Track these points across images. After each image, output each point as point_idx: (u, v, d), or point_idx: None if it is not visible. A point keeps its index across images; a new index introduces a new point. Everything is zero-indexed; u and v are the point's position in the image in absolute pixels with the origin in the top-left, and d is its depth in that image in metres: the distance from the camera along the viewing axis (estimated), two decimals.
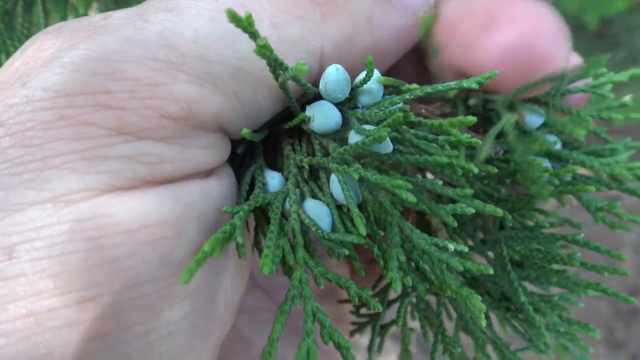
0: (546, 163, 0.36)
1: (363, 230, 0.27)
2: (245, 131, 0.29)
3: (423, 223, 0.38)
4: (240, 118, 0.29)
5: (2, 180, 0.24)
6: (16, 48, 0.41)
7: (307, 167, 0.31)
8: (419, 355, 1.69)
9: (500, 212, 0.25)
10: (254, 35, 0.25)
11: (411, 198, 0.25)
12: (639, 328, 1.89)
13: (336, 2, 0.31)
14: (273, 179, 0.32)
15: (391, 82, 0.32)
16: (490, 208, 0.25)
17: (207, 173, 0.30)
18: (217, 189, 0.29)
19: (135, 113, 0.26)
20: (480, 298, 0.26)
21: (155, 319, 0.25)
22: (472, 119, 0.25)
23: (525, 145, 0.34)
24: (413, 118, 0.26)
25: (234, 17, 0.24)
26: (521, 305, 0.35)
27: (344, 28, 0.31)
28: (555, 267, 0.35)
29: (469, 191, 0.26)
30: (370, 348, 0.41)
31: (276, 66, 0.27)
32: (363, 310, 0.43)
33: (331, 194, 0.31)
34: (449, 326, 0.39)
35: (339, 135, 0.31)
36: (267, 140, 0.35)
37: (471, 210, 0.27)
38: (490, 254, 0.38)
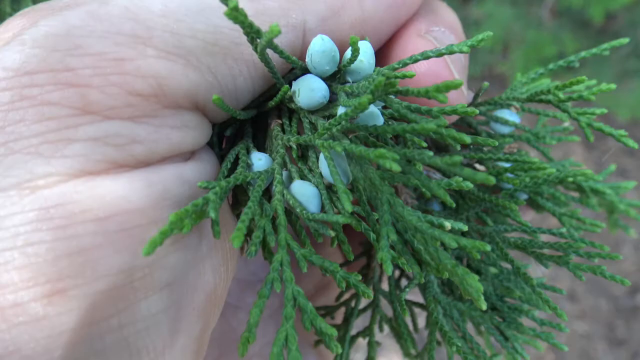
0: (513, 116, 0.37)
1: (348, 206, 0.25)
2: (215, 97, 0.26)
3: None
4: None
5: None
6: None
7: (294, 147, 0.30)
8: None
9: (492, 179, 0.24)
10: None
11: (395, 167, 0.23)
12: None
13: None
14: (259, 160, 0.30)
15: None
16: (481, 176, 0.23)
17: (186, 157, 0.28)
18: (196, 175, 0.27)
19: (100, 91, 0.24)
20: (477, 277, 0.24)
21: (130, 312, 0.24)
22: (459, 81, 0.24)
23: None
24: (397, 85, 0.25)
25: None
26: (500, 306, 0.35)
27: (328, 1, 0.30)
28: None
29: (458, 158, 0.23)
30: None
31: (250, 32, 0.25)
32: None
33: (320, 173, 0.29)
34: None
35: (328, 112, 0.30)
36: (257, 123, 0.33)
37: (468, 185, 0.26)
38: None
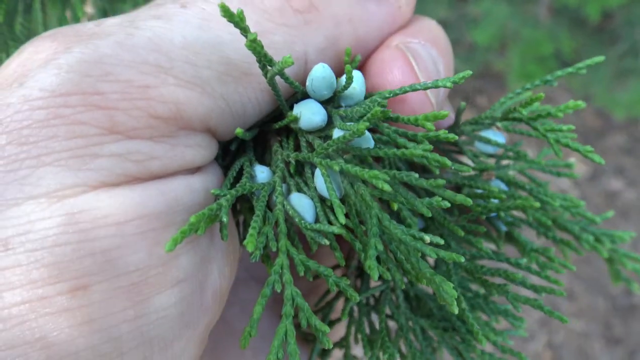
0: (499, 137, 0.39)
1: (342, 219, 0.28)
2: (239, 130, 0.30)
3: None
4: (227, 120, 0.31)
5: (0, 176, 0.25)
6: (17, 48, 0.43)
7: (293, 162, 0.33)
8: None
9: (469, 201, 0.28)
10: (245, 30, 0.27)
11: (387, 187, 0.26)
12: (637, 324, 1.90)
13: (317, 7, 0.33)
14: (262, 173, 0.33)
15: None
16: (460, 197, 0.27)
17: (194, 170, 0.31)
18: (203, 184, 0.31)
19: (126, 113, 0.27)
20: (452, 285, 0.28)
21: (144, 305, 0.27)
22: (445, 112, 0.27)
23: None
24: (391, 114, 0.28)
25: (227, 12, 0.26)
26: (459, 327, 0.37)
27: (327, 32, 0.33)
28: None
29: (441, 181, 0.27)
30: None
31: (265, 61, 0.28)
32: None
33: (315, 187, 0.32)
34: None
35: (324, 133, 0.33)
36: (257, 138, 0.36)
37: (446, 204, 0.28)
38: None
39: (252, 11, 0.31)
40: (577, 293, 1.95)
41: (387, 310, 0.39)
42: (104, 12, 0.47)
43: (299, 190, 0.33)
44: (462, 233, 0.33)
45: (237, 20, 0.26)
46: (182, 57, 0.29)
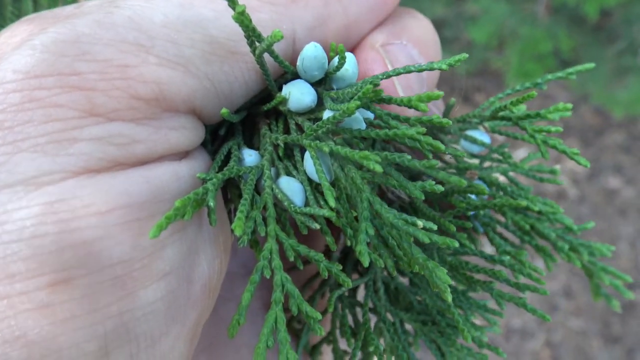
0: (484, 137, 0.38)
1: (332, 202, 0.27)
2: (224, 111, 0.29)
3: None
4: (213, 100, 0.30)
5: None
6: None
7: (282, 145, 0.32)
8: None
9: (464, 182, 0.26)
10: (232, 2, 0.26)
11: (378, 168, 0.25)
12: (635, 322, 1.90)
13: None
14: (250, 156, 0.32)
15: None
16: (454, 179, 0.26)
17: (180, 156, 0.30)
18: (190, 171, 0.29)
19: (105, 94, 0.26)
20: (445, 271, 0.27)
21: (129, 300, 0.25)
22: (439, 93, 0.26)
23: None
24: (383, 94, 0.27)
25: None
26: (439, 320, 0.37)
27: (316, 11, 0.32)
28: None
29: (434, 162, 0.26)
30: None
31: (253, 36, 0.27)
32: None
33: (304, 171, 0.31)
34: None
35: (313, 115, 0.32)
36: (245, 122, 0.35)
37: (439, 188, 0.27)
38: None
39: None
40: (575, 291, 1.95)
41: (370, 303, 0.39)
42: None
43: (288, 173, 0.32)
44: (453, 228, 0.32)
45: None
46: (164, 35, 0.28)
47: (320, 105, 0.32)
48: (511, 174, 0.40)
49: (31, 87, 0.25)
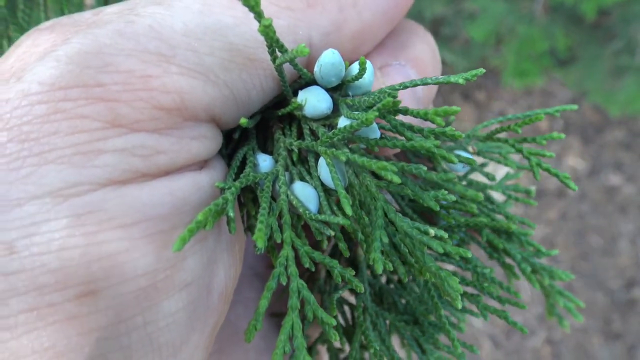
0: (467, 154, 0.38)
1: (349, 210, 0.28)
2: (243, 120, 0.29)
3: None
4: (232, 107, 0.30)
5: (1, 175, 0.24)
6: (19, 33, 0.41)
7: (296, 150, 0.32)
8: None
9: (480, 196, 0.27)
10: (259, 15, 0.26)
11: (396, 179, 0.25)
12: (636, 319, 1.90)
13: None
14: (264, 161, 0.32)
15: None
16: (471, 192, 0.27)
17: (200, 165, 0.30)
18: (210, 180, 0.30)
19: (128, 105, 0.26)
20: (457, 280, 0.27)
21: (153, 311, 0.26)
22: (456, 108, 0.27)
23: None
24: (400, 106, 0.27)
25: None
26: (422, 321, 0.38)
27: (331, 16, 0.32)
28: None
29: (452, 175, 0.27)
30: None
31: (277, 47, 0.27)
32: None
33: (319, 177, 0.31)
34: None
35: (328, 121, 0.32)
36: (259, 125, 0.35)
37: (452, 198, 0.28)
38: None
39: None
40: (576, 289, 1.95)
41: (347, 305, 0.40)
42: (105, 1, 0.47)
43: (302, 179, 0.32)
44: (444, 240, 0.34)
45: (252, 4, 0.25)
46: (184, 44, 0.28)
47: (335, 111, 0.32)
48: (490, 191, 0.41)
49: (57, 98, 0.25)
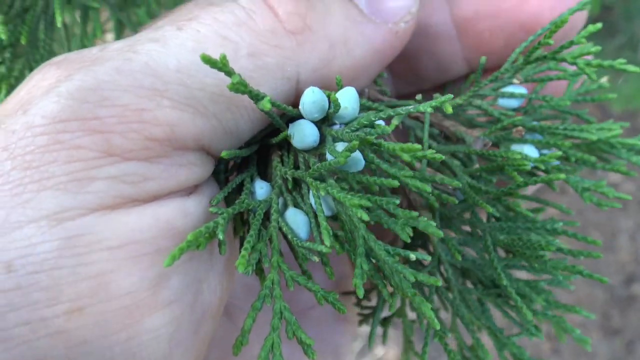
0: (533, 151, 0.38)
1: (328, 241, 0.30)
2: (224, 153, 0.31)
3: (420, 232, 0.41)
4: (221, 137, 0.32)
5: (5, 200, 0.27)
6: (38, 63, 0.44)
7: (290, 179, 0.34)
8: (420, 343, 1.70)
9: (440, 233, 0.29)
10: (228, 74, 0.28)
11: (365, 217, 0.28)
12: (635, 314, 1.91)
13: (311, 28, 0.33)
14: (261, 189, 0.35)
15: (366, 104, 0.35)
16: (432, 229, 0.29)
17: (189, 191, 0.32)
18: (197, 207, 0.32)
19: (122, 136, 0.29)
20: (430, 306, 0.29)
21: (136, 328, 0.28)
22: (417, 146, 0.28)
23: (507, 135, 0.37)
24: (373, 140, 0.29)
25: (208, 60, 0.27)
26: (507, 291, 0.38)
27: (320, 53, 0.34)
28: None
29: (414, 213, 0.29)
30: (370, 337, 0.44)
31: (251, 97, 0.29)
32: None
33: (311, 204, 0.33)
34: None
35: (318, 151, 0.34)
36: (261, 151, 0.38)
37: (435, 231, 0.30)
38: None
39: (247, 33, 0.32)
40: (575, 284, 1.95)
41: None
42: (119, 21, 0.48)
43: (296, 205, 0.34)
44: (491, 210, 0.34)
45: (220, 66, 0.27)
46: (176, 80, 0.30)
47: (324, 141, 0.33)
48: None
49: (57, 130, 0.28)
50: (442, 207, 0.40)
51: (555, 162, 0.38)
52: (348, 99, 0.33)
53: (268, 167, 0.37)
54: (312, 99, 0.32)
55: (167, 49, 0.30)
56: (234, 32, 0.32)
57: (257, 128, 0.34)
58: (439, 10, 0.43)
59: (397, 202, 0.30)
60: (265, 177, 0.36)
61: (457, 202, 0.34)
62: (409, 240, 0.30)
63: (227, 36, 0.31)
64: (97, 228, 0.27)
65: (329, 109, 0.33)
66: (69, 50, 0.46)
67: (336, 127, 0.34)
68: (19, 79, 0.43)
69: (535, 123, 0.39)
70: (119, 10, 0.47)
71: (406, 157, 0.28)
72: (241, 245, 0.36)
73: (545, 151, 0.40)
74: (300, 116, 0.34)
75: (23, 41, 0.40)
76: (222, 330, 0.40)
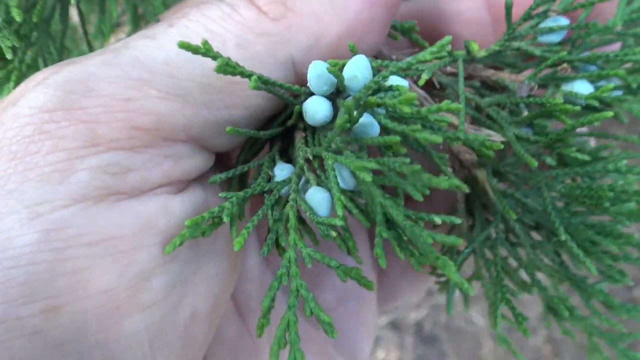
0: (585, 87, 0.35)
1: (340, 212, 0.29)
2: (229, 128, 0.31)
3: (471, 178, 0.40)
4: (213, 127, 0.32)
5: None
6: (52, 55, 0.44)
7: (311, 157, 0.33)
8: (420, 346, 1.69)
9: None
10: (213, 57, 0.28)
11: (367, 177, 0.26)
12: (637, 318, 1.90)
13: (293, 10, 0.33)
14: (282, 171, 0.34)
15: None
16: (436, 181, 0.25)
17: (179, 188, 0.32)
18: (183, 207, 0.31)
19: (107, 125, 0.28)
20: (454, 268, 0.26)
21: (114, 330, 0.27)
22: (413, 95, 0.26)
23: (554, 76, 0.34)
24: (377, 101, 0.27)
25: (189, 47, 0.27)
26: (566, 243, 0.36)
27: (309, 30, 0.33)
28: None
29: (417, 167, 0.26)
30: (448, 304, 0.44)
31: (244, 77, 0.29)
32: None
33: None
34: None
35: (332, 125, 0.33)
36: (286, 133, 0.37)
37: (444, 184, 0.28)
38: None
39: (232, 25, 0.32)
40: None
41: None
42: (134, 6, 0.47)
43: (319, 184, 0.33)
44: (536, 164, 0.33)
45: (203, 51, 0.27)
46: (164, 71, 0.30)
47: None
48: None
49: (42, 120, 0.28)
50: (496, 163, 0.38)
51: (616, 93, 0.34)
52: (357, 67, 0.32)
53: (289, 150, 0.36)
54: (315, 73, 0.31)
55: (157, 43, 0.31)
56: (220, 26, 0.31)
57: (254, 116, 0.33)
58: None
59: (407, 161, 0.28)
60: (289, 161, 0.36)
61: (502, 147, 0.32)
62: (421, 199, 0.28)
63: (213, 30, 0.31)
64: (76, 221, 0.27)
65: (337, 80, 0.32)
66: (87, 40, 0.47)
67: (350, 98, 0.32)
68: (32, 67, 0.43)
69: (584, 54, 0.36)
70: (138, 2, 0.47)
71: (406, 109, 0.26)
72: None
73: (602, 83, 0.37)
74: (312, 94, 0.33)
75: (34, 19, 0.40)
76: (234, 331, 0.39)
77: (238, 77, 0.31)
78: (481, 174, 0.38)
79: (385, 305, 0.52)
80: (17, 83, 0.41)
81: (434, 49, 0.30)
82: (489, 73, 0.38)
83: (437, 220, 0.28)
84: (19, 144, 0.27)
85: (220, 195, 0.31)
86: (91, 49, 0.48)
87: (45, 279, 0.25)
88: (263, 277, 0.43)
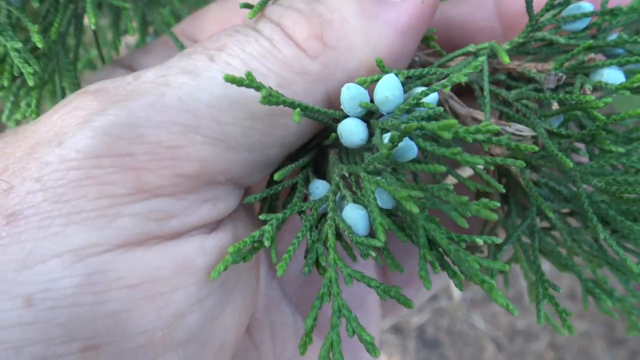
0: (615, 75, 0.35)
1: (382, 237, 0.29)
2: (277, 175, 0.32)
3: (513, 181, 0.40)
4: (250, 167, 0.32)
5: (32, 232, 0.27)
6: (70, 72, 0.43)
7: (347, 174, 0.33)
8: (423, 350, 1.69)
9: (494, 216, 0.26)
10: (257, 88, 0.28)
11: (414, 209, 0.26)
12: None
13: (331, 46, 0.33)
14: (317, 188, 0.34)
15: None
16: (484, 213, 0.26)
17: (211, 228, 0.32)
18: (217, 244, 0.32)
19: (154, 173, 0.29)
20: (500, 293, 0.27)
21: None
22: (453, 121, 0.26)
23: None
24: (415, 125, 0.27)
25: (233, 80, 0.27)
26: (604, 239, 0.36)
27: (345, 67, 0.33)
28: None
29: (464, 198, 0.27)
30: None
31: (287, 106, 0.30)
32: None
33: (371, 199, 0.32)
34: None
35: (369, 145, 0.33)
36: (320, 150, 0.37)
37: (489, 214, 0.28)
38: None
39: (273, 63, 0.32)
40: (580, 294, 1.95)
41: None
42: (143, 15, 0.48)
43: (355, 201, 0.33)
44: (570, 163, 0.32)
45: (246, 83, 0.28)
46: (209, 115, 0.30)
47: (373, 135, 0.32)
48: None
49: (90, 166, 0.28)
50: (529, 155, 0.37)
51: None
52: (388, 87, 0.32)
53: (322, 166, 0.36)
54: (348, 96, 0.32)
55: (199, 82, 0.31)
56: (261, 64, 0.32)
57: (287, 152, 0.34)
58: (483, 5, 0.41)
59: (450, 187, 0.28)
60: (323, 176, 0.36)
61: (537, 149, 0.31)
62: (467, 226, 0.29)
63: (255, 68, 0.32)
64: (117, 265, 0.27)
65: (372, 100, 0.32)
66: (100, 52, 0.46)
67: (384, 118, 0.33)
68: (49, 82, 0.43)
69: (611, 38, 0.35)
70: (146, 10, 0.46)
71: (447, 134, 0.26)
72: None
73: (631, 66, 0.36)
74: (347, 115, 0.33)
75: (52, 37, 0.39)
76: (239, 345, 0.40)
77: (276, 120, 0.31)
78: (514, 168, 0.38)
79: (389, 315, 0.53)
80: (38, 101, 0.41)
81: (469, 70, 0.31)
82: (514, 64, 0.38)
83: (479, 242, 0.29)
84: (65, 187, 0.27)
85: (260, 217, 0.31)
86: (104, 60, 0.48)
87: (86, 320, 0.26)
88: (269, 289, 0.44)
